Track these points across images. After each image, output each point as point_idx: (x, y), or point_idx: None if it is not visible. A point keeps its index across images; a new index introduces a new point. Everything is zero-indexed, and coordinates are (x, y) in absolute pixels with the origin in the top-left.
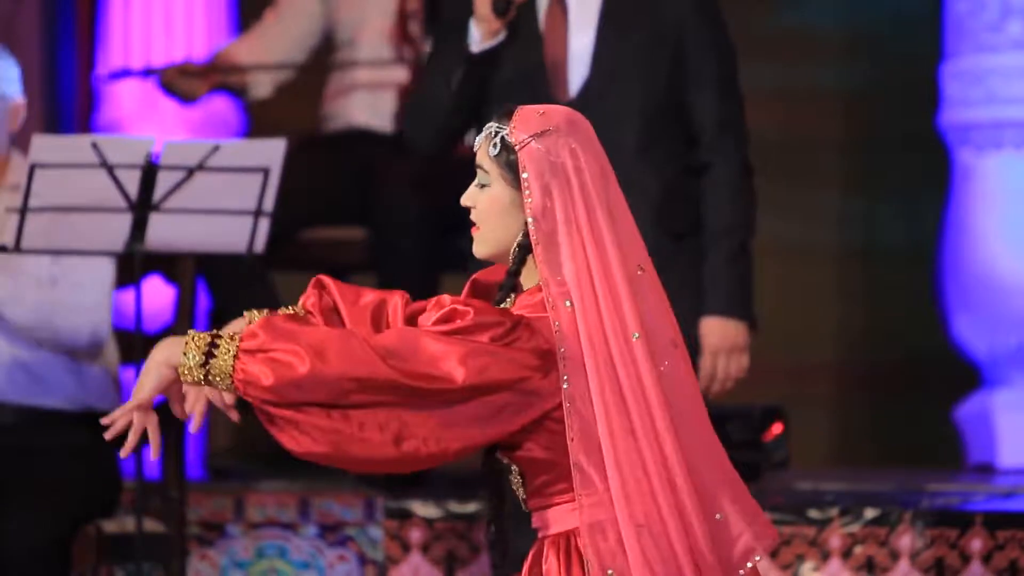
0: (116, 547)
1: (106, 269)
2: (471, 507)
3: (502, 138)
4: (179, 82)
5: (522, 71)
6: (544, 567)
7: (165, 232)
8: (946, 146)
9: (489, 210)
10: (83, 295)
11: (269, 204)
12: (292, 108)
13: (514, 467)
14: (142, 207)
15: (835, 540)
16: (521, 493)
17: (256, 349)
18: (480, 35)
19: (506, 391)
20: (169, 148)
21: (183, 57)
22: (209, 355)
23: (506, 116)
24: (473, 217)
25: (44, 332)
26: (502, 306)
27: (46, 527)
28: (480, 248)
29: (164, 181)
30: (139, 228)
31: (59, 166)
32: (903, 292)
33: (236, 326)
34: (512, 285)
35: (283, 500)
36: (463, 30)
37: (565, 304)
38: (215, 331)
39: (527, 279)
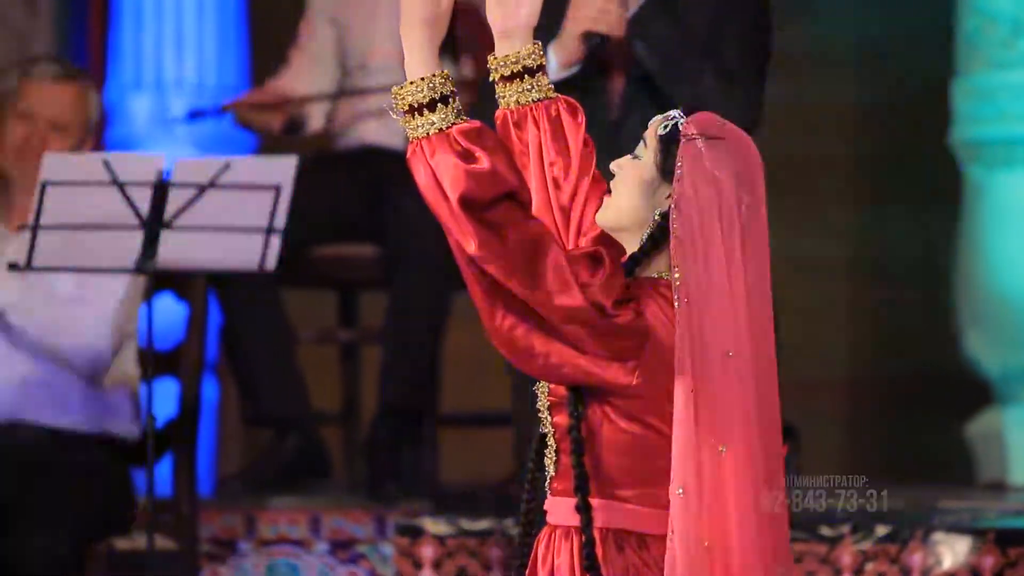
0: (128, 564)
1: (117, 291)
2: (483, 524)
3: (676, 124)
4: (255, 118)
5: None
6: (556, 561)
7: (176, 250)
8: (957, 163)
9: (630, 178)
10: (90, 316)
11: (280, 221)
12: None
13: (552, 443)
14: (153, 224)
15: (846, 557)
16: (551, 471)
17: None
18: (559, 62)
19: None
20: (180, 165)
21: (227, 93)
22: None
23: (689, 111)
24: (612, 184)
25: (45, 347)
26: None
27: (61, 545)
28: (605, 214)
29: (175, 198)
30: (150, 246)
31: (71, 184)
32: (915, 308)
33: None
34: (632, 270)
35: (294, 517)
36: None
37: (676, 303)
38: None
39: (642, 269)
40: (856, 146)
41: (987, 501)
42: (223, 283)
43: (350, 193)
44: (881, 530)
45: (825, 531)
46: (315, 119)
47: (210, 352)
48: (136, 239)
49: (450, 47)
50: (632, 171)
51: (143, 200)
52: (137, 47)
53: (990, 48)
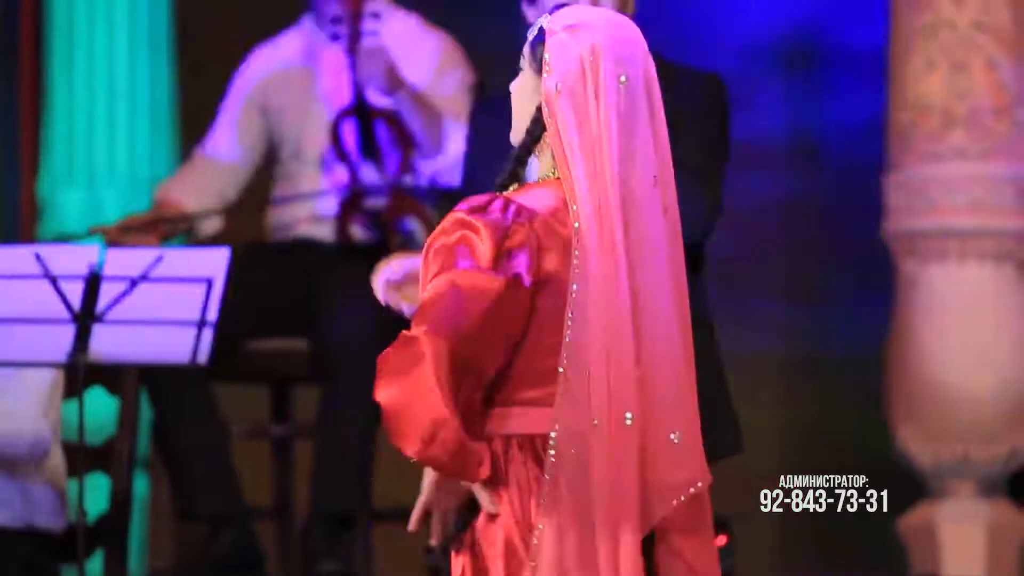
0: None
1: (46, 377)
2: None
3: (540, 27)
4: (125, 241)
5: None
6: (510, 468)
7: (108, 343)
8: (890, 256)
9: (517, 89)
10: (22, 403)
11: (212, 315)
12: (235, 217)
13: None
14: (85, 318)
15: None
16: None
17: None
18: None
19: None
20: (113, 256)
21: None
22: None
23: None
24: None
25: None
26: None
27: None
28: (512, 136)
29: (108, 290)
30: (82, 339)
31: (1, 277)
32: (848, 401)
33: None
34: (514, 171)
35: None
36: None
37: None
38: None
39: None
40: (788, 239)
41: None
42: (155, 377)
43: (282, 286)
44: None
45: None
46: (210, 223)
47: (140, 446)
48: (68, 332)
49: (374, 154)
50: (517, 83)
51: (75, 293)
52: (70, 139)
53: (921, 141)
